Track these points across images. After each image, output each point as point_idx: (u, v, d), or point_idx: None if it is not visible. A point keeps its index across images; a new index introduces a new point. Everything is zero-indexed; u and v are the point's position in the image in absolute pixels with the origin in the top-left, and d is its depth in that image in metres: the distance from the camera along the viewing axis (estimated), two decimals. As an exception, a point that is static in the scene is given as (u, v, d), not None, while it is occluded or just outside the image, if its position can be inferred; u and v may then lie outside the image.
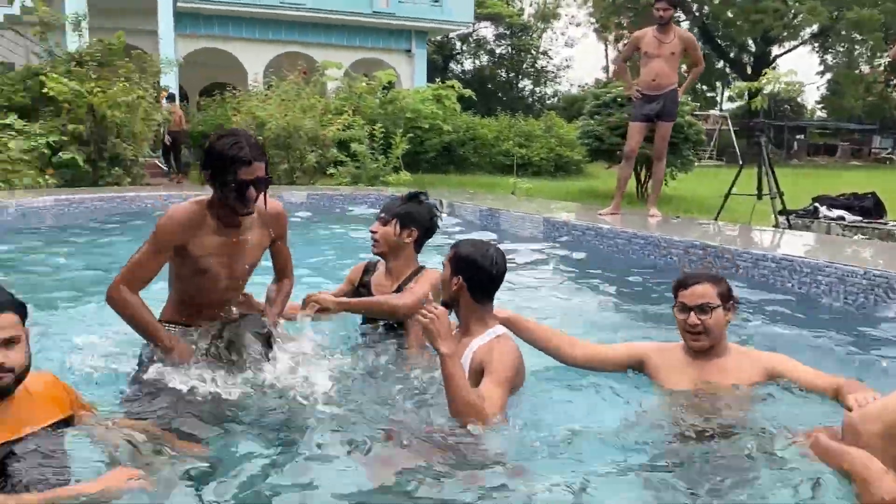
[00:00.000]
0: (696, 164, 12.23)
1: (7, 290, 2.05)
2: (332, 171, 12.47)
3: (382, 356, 3.01)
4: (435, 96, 16.79)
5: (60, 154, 10.50)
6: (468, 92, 17.48)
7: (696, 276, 2.72)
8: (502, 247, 5.15)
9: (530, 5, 42.33)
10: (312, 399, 2.60)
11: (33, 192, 9.12)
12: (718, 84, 40.01)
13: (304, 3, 20.46)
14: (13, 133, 10.30)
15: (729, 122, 31.06)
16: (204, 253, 2.75)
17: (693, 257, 5.28)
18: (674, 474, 2.11)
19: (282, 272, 3.12)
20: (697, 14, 34.35)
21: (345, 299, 3.19)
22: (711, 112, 32.03)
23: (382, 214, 3.29)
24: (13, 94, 11.34)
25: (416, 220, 3.25)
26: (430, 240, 3.35)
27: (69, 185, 10.46)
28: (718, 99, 40.90)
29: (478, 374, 2.57)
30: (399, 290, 3.20)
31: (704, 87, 38.87)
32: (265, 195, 2.78)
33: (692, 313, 2.61)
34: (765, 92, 10.70)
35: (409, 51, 22.87)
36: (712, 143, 28.65)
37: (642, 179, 11.23)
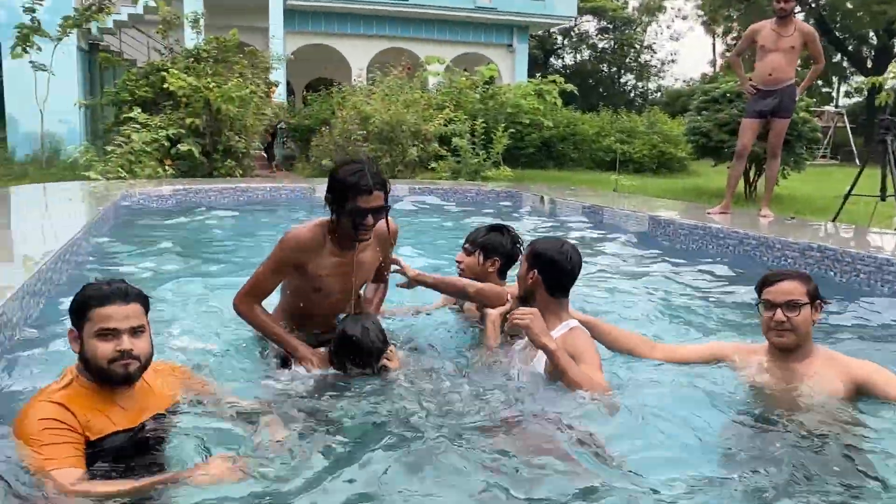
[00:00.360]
0: (809, 162, 11.68)
1: (132, 284, 2.17)
2: (433, 165, 12.60)
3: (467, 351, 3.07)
4: (536, 91, 16.68)
5: (179, 146, 11.05)
6: (570, 86, 17.28)
7: (783, 273, 2.67)
8: (605, 245, 5.09)
9: (634, -2, 41.46)
10: (420, 395, 2.63)
11: (154, 182, 9.65)
12: (835, 79, 38.01)
13: (408, -1, 20.72)
14: (136, 126, 10.90)
15: (845, 119, 29.46)
16: (320, 273, 2.90)
17: (810, 260, 5.05)
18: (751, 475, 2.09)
19: (380, 276, 3.24)
20: (814, 5, 32.71)
21: (422, 273, 3.22)
22: (826, 108, 30.44)
23: (466, 245, 3.41)
24: (136, 89, 11.98)
25: (499, 249, 3.37)
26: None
27: (186, 176, 11.00)
28: (834, 95, 38.88)
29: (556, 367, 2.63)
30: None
31: (820, 83, 37.00)
32: (386, 219, 2.89)
33: (779, 310, 2.56)
34: (886, 87, 10.10)
35: (510, 45, 22.81)
36: (827, 141, 27.25)
37: (751, 178, 10.82)
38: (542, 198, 9.06)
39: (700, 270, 5.34)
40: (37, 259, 3.91)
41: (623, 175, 12.96)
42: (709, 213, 7.15)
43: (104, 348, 2.05)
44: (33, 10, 12.65)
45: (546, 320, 2.71)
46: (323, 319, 3.03)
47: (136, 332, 2.09)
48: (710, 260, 5.69)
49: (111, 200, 7.36)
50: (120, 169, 10.29)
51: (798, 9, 33.64)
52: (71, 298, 2.14)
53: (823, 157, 27.68)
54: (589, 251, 6.33)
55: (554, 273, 2.78)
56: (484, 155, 12.67)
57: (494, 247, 3.36)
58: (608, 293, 4.55)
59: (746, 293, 4.76)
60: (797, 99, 7.01)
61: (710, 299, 4.59)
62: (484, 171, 12.42)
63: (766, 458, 2.17)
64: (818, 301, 2.61)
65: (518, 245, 3.41)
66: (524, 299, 2.84)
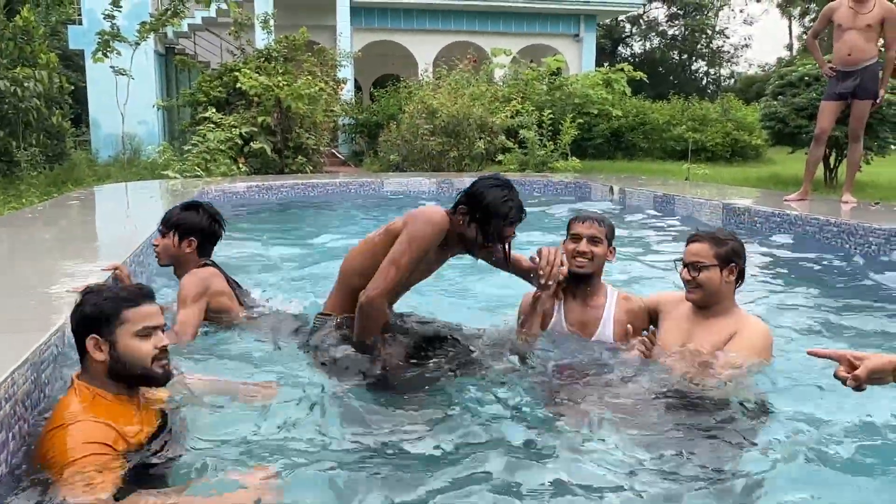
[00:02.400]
0: (894, 147, 11.16)
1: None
2: (500, 158, 12.57)
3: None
4: (604, 81, 16.43)
5: (251, 144, 11.34)
6: (639, 74, 16.95)
7: (697, 235, 2.80)
8: (678, 233, 5.00)
9: (706, -18, 40.35)
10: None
11: (228, 179, 9.93)
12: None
13: (474, -8, 20.66)
14: (212, 125, 11.23)
15: (934, 100, 28.01)
16: (430, 260, 2.90)
17: (896, 246, 4.84)
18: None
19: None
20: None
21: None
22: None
23: (160, 227, 3.32)
24: (211, 90, 12.35)
25: (196, 228, 3.29)
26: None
27: (258, 173, 11.28)
28: (921, 76, 36.98)
29: (625, 332, 2.86)
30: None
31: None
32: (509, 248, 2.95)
33: (685, 269, 2.74)
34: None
35: (577, 35, 22.49)
36: (913, 125, 25.96)
37: (832, 164, 10.40)
38: (611, 188, 8.93)
39: (777, 259, 5.18)
40: (119, 254, 4.08)
41: (695, 164, 12.64)
42: (786, 200, 6.91)
43: (146, 347, 2.06)
44: (112, 17, 13.17)
45: (598, 293, 2.99)
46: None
47: (161, 329, 2.14)
48: (788, 248, 5.50)
49: (188, 197, 7.60)
50: (196, 167, 10.63)
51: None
52: (76, 309, 2.10)
53: (910, 141, 26.40)
54: (660, 241, 6.21)
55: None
56: (551, 146, 12.57)
57: (191, 226, 3.27)
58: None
59: (825, 281, 4.61)
60: (883, 92, 6.62)
61: (788, 289, 4.45)
62: (551, 163, 12.32)
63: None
64: (732, 264, 2.70)
65: (218, 222, 3.34)
66: (585, 279, 2.94)
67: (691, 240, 2.78)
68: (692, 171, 11.47)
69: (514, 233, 2.88)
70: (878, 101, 6.53)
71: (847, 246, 5.27)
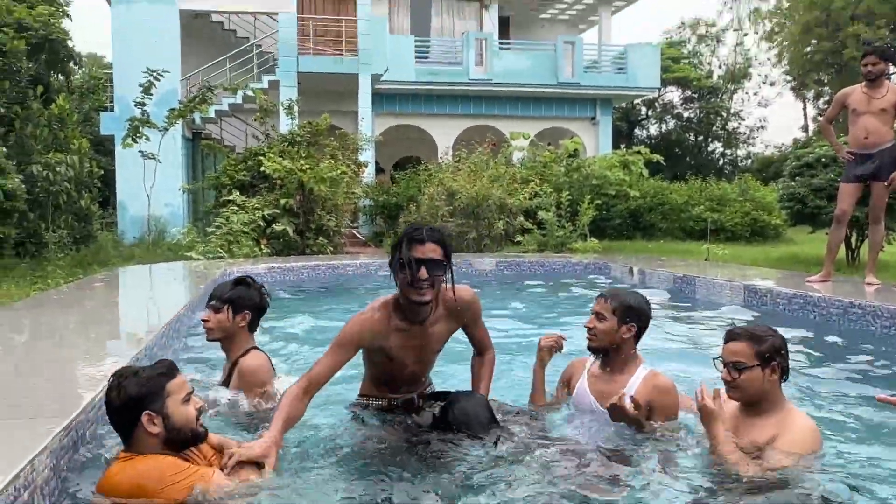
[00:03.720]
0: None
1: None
2: (519, 238, 12.65)
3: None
4: (622, 162, 16.65)
5: (274, 225, 11.52)
6: (656, 157, 17.16)
7: (737, 332, 2.70)
8: (699, 316, 4.98)
9: (719, 67, 41.15)
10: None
11: (251, 261, 10.05)
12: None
13: (492, 78, 21.26)
14: (235, 208, 11.46)
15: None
16: (390, 348, 2.88)
17: (923, 330, 4.76)
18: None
19: (481, 346, 3.19)
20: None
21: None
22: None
23: (213, 302, 3.31)
24: (235, 173, 12.65)
25: (248, 303, 3.33)
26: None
27: (280, 254, 11.42)
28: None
29: (644, 410, 2.83)
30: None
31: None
32: (453, 287, 2.83)
33: (725, 368, 2.66)
34: None
35: (593, 118, 22.95)
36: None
37: (853, 244, 10.35)
38: (630, 269, 8.93)
39: (801, 341, 5.10)
40: (141, 336, 4.11)
41: (714, 244, 12.64)
42: (808, 282, 6.86)
43: (191, 411, 2.31)
44: (143, 104, 13.67)
45: (626, 367, 3.01)
46: (406, 385, 3.08)
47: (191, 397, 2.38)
48: (811, 331, 5.43)
49: (211, 279, 7.69)
50: (219, 249, 10.79)
51: (892, 69, 32.67)
52: (118, 392, 2.25)
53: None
54: (681, 323, 6.16)
55: (645, 324, 3.03)
56: (570, 227, 12.65)
57: (244, 300, 3.31)
58: (701, 366, 4.40)
59: (851, 366, 4.53)
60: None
61: (812, 373, 4.37)
62: (571, 244, 12.37)
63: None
64: (774, 362, 2.61)
65: (266, 296, 3.39)
66: (602, 351, 3.01)
67: (729, 338, 2.68)
68: (712, 252, 11.46)
69: (434, 258, 2.72)
70: (889, 185, 6.53)
71: (872, 329, 5.19)
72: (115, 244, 13.14)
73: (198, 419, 2.33)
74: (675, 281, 7.89)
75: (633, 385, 2.95)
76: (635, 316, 3.00)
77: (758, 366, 2.59)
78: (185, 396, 2.30)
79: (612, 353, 3.02)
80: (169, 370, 2.32)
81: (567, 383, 3.26)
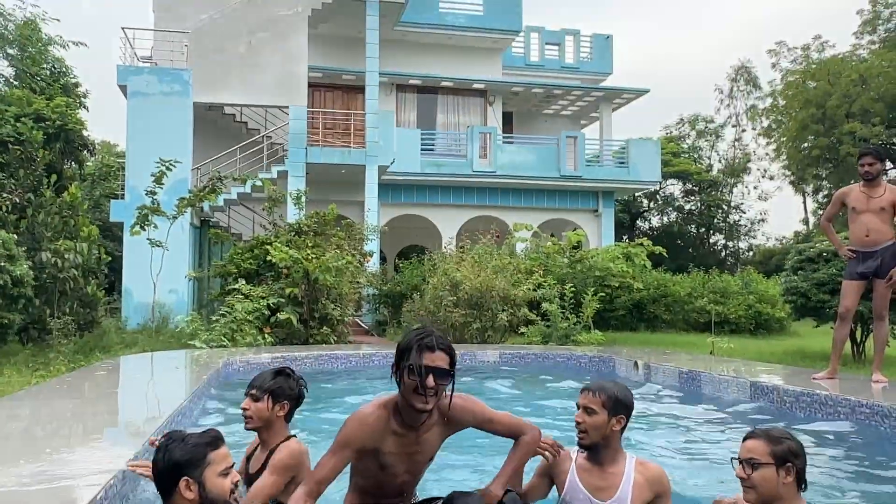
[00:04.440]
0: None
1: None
2: (523, 329, 12.63)
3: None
4: (624, 254, 16.78)
5: (278, 314, 11.54)
6: (659, 248, 17.30)
7: (756, 431, 2.74)
8: (704, 412, 4.95)
9: (719, 161, 41.97)
10: None
11: (253, 350, 10.02)
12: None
13: (496, 171, 21.70)
14: (241, 296, 11.51)
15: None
16: (384, 452, 2.85)
17: (933, 431, 4.69)
18: None
19: (514, 432, 3.06)
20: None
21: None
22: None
23: (253, 391, 3.33)
24: (242, 262, 12.77)
25: (287, 393, 3.33)
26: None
27: (283, 343, 11.39)
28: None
29: (644, 499, 2.92)
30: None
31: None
32: (451, 398, 2.84)
33: (740, 466, 2.68)
34: None
35: (596, 210, 23.28)
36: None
37: (858, 339, 10.32)
38: (635, 363, 8.87)
39: (809, 441, 5.03)
40: (141, 427, 4.08)
41: (719, 336, 12.58)
42: (815, 379, 6.81)
43: (226, 484, 2.42)
44: (154, 193, 13.93)
45: (617, 458, 3.02)
46: (394, 499, 3.00)
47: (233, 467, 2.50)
48: (819, 430, 5.35)
49: (214, 368, 7.66)
50: (223, 337, 10.77)
51: (889, 166, 33.32)
52: (164, 454, 2.41)
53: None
54: (687, 421, 6.09)
55: (631, 414, 3.05)
56: (574, 318, 12.64)
57: (283, 391, 3.33)
58: (705, 467, 4.33)
59: (860, 465, 4.45)
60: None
61: (822, 472, 4.29)
62: (574, 335, 12.33)
63: None
64: (788, 464, 2.62)
65: (304, 388, 3.42)
66: (593, 447, 3.01)
67: (747, 437, 2.73)
68: (716, 345, 11.40)
69: (441, 367, 2.73)
70: (889, 281, 6.57)
71: (882, 428, 5.12)
72: (118, 330, 13.12)
73: (232, 492, 2.43)
74: (680, 377, 7.83)
75: (629, 475, 2.99)
76: (624, 407, 3.03)
77: (772, 465, 2.60)
78: (224, 469, 2.41)
79: (602, 447, 3.03)
80: (214, 441, 2.44)
81: (548, 476, 3.19)
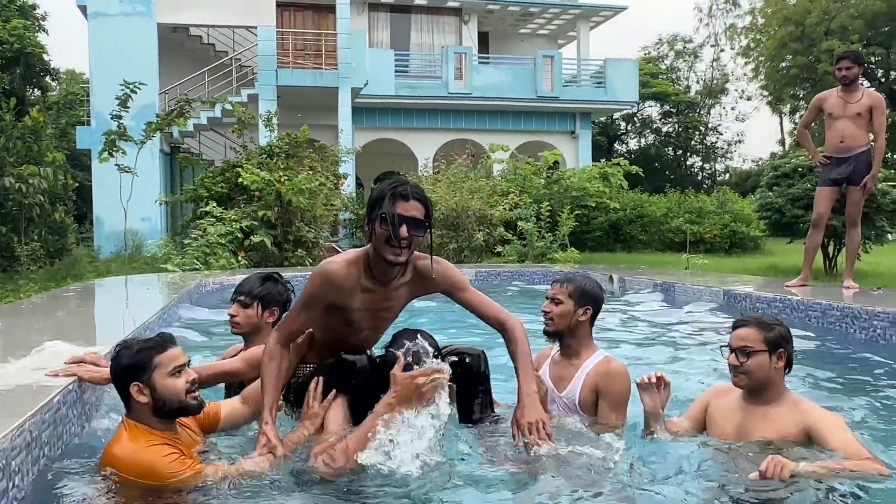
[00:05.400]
0: (892, 236, 11.20)
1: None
2: (499, 249, 12.62)
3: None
4: (601, 174, 16.71)
5: (252, 237, 11.40)
6: (635, 168, 17.25)
7: (745, 319, 2.77)
8: (680, 321, 4.92)
9: (697, 82, 41.64)
10: None
11: (227, 272, 9.92)
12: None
13: (471, 92, 21.32)
14: (213, 219, 11.33)
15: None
16: (353, 307, 2.74)
17: (902, 329, 4.75)
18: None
19: (493, 319, 2.83)
20: (884, 81, 32.21)
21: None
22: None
23: (242, 297, 3.29)
24: (213, 185, 12.53)
25: (276, 299, 3.30)
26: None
27: (258, 266, 11.29)
28: (913, 168, 37.66)
29: (592, 394, 2.96)
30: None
31: (896, 156, 35.98)
32: (430, 250, 2.70)
33: (733, 354, 2.70)
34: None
35: (573, 132, 23.07)
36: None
37: (831, 253, 10.42)
38: (610, 277, 8.91)
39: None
40: (107, 340, 4.00)
41: (694, 255, 12.68)
42: (787, 286, 6.86)
43: (180, 383, 2.42)
44: (120, 117, 13.51)
45: (582, 352, 3.06)
46: (352, 353, 2.87)
47: (188, 365, 2.51)
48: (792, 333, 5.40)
49: (185, 289, 7.57)
50: (196, 261, 10.65)
51: (866, 84, 33.21)
52: (115, 361, 2.47)
53: (907, 232, 26.61)
54: (660, 328, 6.13)
55: (599, 307, 3.10)
56: (550, 238, 12.64)
57: (273, 297, 3.30)
58: (677, 369, 4.36)
59: (830, 367, 4.51)
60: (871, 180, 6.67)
61: (794, 375, 4.33)
62: (551, 254, 12.36)
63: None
64: (780, 350, 2.68)
65: (292, 293, 3.36)
66: (559, 336, 3.06)
67: (738, 325, 2.75)
68: (691, 262, 11.49)
69: (416, 216, 2.55)
70: (863, 189, 6.57)
71: (851, 330, 5.18)
72: (90, 258, 12.93)
73: (189, 392, 2.43)
74: (654, 287, 7.87)
75: (587, 369, 3.02)
76: (590, 299, 3.07)
77: (765, 351, 2.65)
78: (173, 369, 2.42)
79: (568, 338, 3.07)
80: (161, 344, 2.45)
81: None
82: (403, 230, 2.54)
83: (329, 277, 2.66)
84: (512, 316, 2.84)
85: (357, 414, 2.70)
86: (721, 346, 2.82)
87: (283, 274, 3.50)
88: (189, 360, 2.52)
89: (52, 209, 11.49)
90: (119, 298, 7.60)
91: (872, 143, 6.67)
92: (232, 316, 3.32)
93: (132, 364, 2.42)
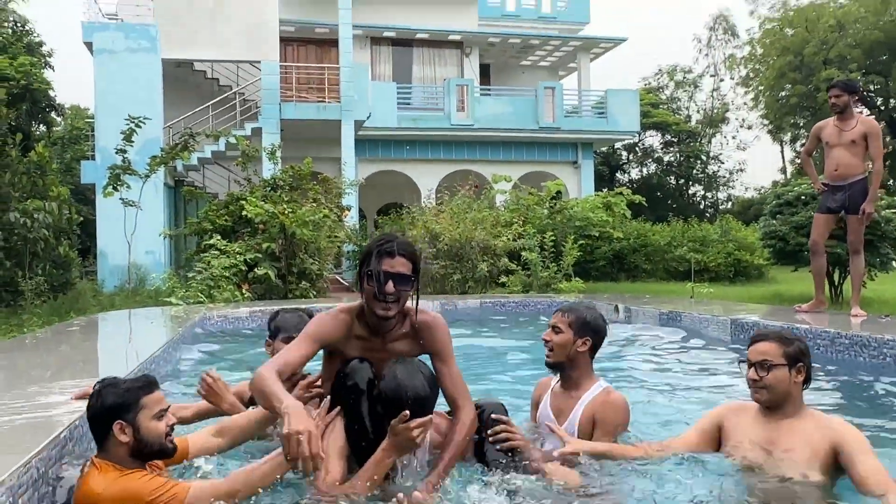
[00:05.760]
0: (895, 263, 11.16)
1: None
2: (503, 279, 12.59)
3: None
4: (604, 204, 16.74)
5: (255, 270, 11.39)
6: (638, 198, 17.28)
7: (764, 333, 2.77)
8: (685, 351, 4.89)
9: (697, 112, 41.90)
10: None
11: (232, 305, 9.90)
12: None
13: (474, 124, 21.46)
14: (216, 252, 11.34)
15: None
16: (348, 355, 2.77)
17: (912, 357, 4.71)
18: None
19: (452, 401, 2.78)
20: (883, 109, 32.38)
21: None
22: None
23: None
24: (217, 218, 12.56)
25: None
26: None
27: (262, 299, 11.27)
28: (916, 195, 37.70)
29: (590, 424, 2.93)
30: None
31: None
32: (416, 305, 2.75)
33: (752, 368, 2.70)
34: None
35: (575, 162, 23.16)
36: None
37: (836, 281, 10.38)
38: (616, 306, 8.87)
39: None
40: (113, 373, 3.97)
41: (698, 284, 12.63)
42: (799, 310, 6.87)
43: (161, 427, 2.43)
44: (124, 152, 13.59)
45: (582, 382, 3.03)
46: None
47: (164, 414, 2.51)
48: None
49: (190, 322, 7.55)
50: (200, 293, 10.63)
51: (866, 112, 33.41)
52: (97, 398, 2.42)
53: (912, 258, 26.56)
54: (667, 359, 6.09)
55: (600, 338, 3.06)
56: (554, 268, 12.62)
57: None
58: (686, 401, 4.32)
59: (839, 395, 4.46)
60: (874, 203, 6.73)
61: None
62: (555, 284, 12.32)
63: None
64: (799, 364, 2.67)
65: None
66: (559, 367, 3.04)
67: (756, 339, 2.75)
68: (696, 290, 11.44)
69: (402, 272, 2.63)
70: (862, 215, 6.62)
71: (861, 359, 5.13)
72: (94, 292, 12.92)
73: (167, 435, 2.45)
74: (660, 317, 7.83)
75: (586, 401, 2.99)
76: (590, 330, 3.04)
77: (785, 365, 2.65)
78: (158, 412, 2.43)
79: (569, 370, 3.05)
80: (147, 385, 2.45)
81: (536, 405, 3.26)
82: (390, 286, 2.64)
83: (322, 320, 2.75)
84: (470, 405, 2.77)
85: (354, 437, 2.68)
86: (739, 361, 2.82)
87: (286, 306, 3.51)
88: (169, 406, 2.53)
89: (56, 243, 11.51)
90: (123, 332, 7.58)
91: (871, 171, 6.72)
92: (271, 352, 3.36)
93: (119, 402, 2.39)
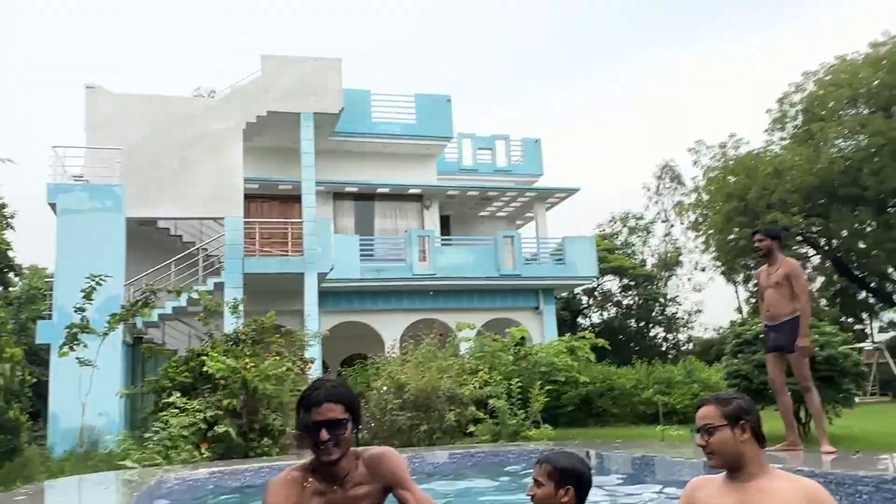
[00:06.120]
0: (858, 399, 11.28)
1: None
2: (471, 428, 12.34)
3: None
4: (568, 349, 16.80)
5: (216, 428, 11.01)
6: (601, 341, 17.42)
7: (704, 399, 2.88)
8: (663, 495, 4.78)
9: (652, 255, 43.19)
10: None
11: (190, 466, 9.47)
12: (865, 316, 38.04)
13: (436, 273, 21.78)
14: (175, 410, 10.98)
15: (886, 353, 29.02)
16: None
17: (888, 494, 4.67)
18: None
19: None
20: (827, 248, 33.79)
21: None
22: (863, 345, 30.10)
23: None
24: (177, 375, 12.26)
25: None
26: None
27: (222, 458, 10.81)
28: (868, 331, 38.64)
29: None
30: None
31: (851, 320, 37.03)
32: (357, 440, 2.81)
33: (698, 434, 2.78)
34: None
35: (537, 308, 23.44)
36: (871, 378, 26.67)
37: (802, 419, 10.40)
38: (587, 453, 8.70)
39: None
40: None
41: (668, 427, 12.53)
42: (777, 449, 6.82)
43: None
44: (83, 310, 13.38)
45: None
46: None
47: None
48: None
49: (146, 486, 7.18)
50: (156, 455, 10.19)
51: (812, 252, 34.81)
52: None
53: (873, 394, 26.91)
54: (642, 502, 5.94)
55: (583, 485, 2.93)
56: (523, 415, 12.44)
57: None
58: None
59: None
60: (809, 338, 7.04)
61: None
62: (524, 431, 12.10)
63: None
64: (742, 422, 2.72)
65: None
66: None
67: (698, 405, 2.86)
68: (666, 433, 11.33)
69: (332, 418, 2.67)
70: (795, 352, 6.85)
71: (838, 496, 5.06)
72: (42, 458, 12.27)
73: None
74: (633, 463, 7.69)
75: None
76: (571, 477, 2.92)
77: (726, 426, 2.71)
78: None
79: None
80: None
81: None
82: (324, 434, 2.66)
83: (272, 489, 2.73)
84: None
85: None
86: (692, 431, 2.92)
87: (248, 465, 3.40)
88: None
89: (7, 406, 11.05)
90: (72, 501, 7.16)
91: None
92: None
93: None
